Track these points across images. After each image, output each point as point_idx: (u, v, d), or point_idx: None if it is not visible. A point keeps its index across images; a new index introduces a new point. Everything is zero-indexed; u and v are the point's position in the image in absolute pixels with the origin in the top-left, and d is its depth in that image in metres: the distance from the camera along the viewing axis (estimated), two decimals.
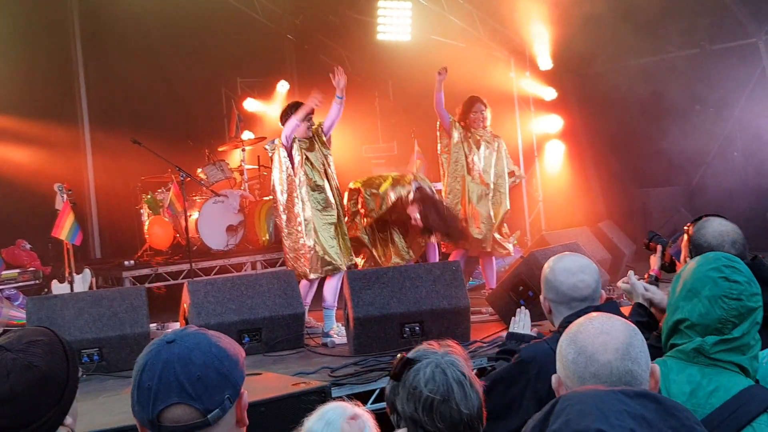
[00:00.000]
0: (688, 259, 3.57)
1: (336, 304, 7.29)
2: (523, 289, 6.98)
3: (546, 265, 3.53)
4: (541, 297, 3.55)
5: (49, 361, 2.13)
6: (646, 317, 3.48)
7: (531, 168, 11.93)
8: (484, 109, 8.45)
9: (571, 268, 3.43)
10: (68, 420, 2.17)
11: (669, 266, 4.85)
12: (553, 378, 2.15)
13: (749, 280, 2.57)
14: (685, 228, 3.68)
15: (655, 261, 4.30)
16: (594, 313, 2.21)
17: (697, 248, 3.52)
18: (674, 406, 1.72)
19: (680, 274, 2.69)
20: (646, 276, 4.66)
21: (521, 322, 4.25)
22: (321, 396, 4.79)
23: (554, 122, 11.82)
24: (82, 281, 8.47)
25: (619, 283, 3.81)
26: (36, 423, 2.07)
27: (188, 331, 1.95)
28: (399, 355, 2.36)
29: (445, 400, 2.32)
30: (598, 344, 2.04)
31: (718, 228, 3.55)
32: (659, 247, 4.95)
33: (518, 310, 4.35)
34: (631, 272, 3.82)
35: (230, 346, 1.95)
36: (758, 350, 2.57)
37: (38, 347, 2.14)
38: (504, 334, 6.54)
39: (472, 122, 8.43)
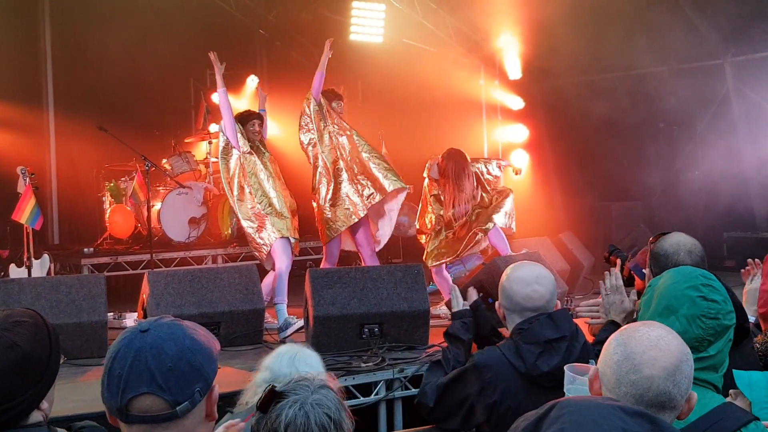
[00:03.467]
0: (646, 271, 3.64)
1: (285, 298, 7.30)
2: (482, 295, 6.99)
3: (504, 273, 3.58)
4: (497, 303, 3.60)
5: (32, 342, 2.13)
6: None
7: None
8: None
9: (527, 278, 3.48)
10: (44, 405, 2.17)
11: (627, 280, 4.94)
12: (591, 370, 2.14)
13: (725, 299, 2.58)
14: (649, 241, 3.75)
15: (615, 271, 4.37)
16: (656, 323, 2.19)
17: (654, 257, 3.58)
18: (670, 430, 1.72)
19: (653, 288, 2.70)
20: None
21: (457, 300, 4.27)
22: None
23: (520, 132, 11.92)
24: (41, 266, 8.38)
25: (590, 321, 3.87)
26: (10, 403, 2.07)
27: (163, 321, 1.94)
28: (269, 386, 2.19)
29: None
30: (648, 357, 2.02)
31: (676, 238, 3.61)
32: (619, 261, 5.04)
33: (452, 292, 4.38)
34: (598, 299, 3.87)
35: (205, 339, 1.95)
36: (726, 368, 2.60)
37: (24, 328, 2.14)
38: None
39: None
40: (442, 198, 8.18)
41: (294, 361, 3.27)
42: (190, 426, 1.88)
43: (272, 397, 2.16)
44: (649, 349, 2.04)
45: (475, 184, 8.31)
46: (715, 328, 2.53)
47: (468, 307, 4.22)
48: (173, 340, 1.88)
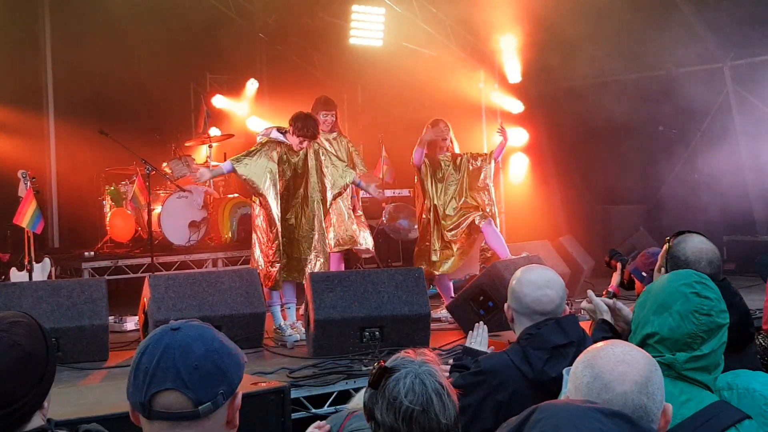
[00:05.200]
0: (663, 270, 3.60)
1: (278, 301, 7.34)
2: (483, 299, 7.06)
3: (514, 275, 3.57)
4: (506, 305, 3.60)
5: (31, 341, 2.14)
6: (610, 333, 3.48)
7: (495, 180, 12.02)
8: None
9: (538, 282, 3.47)
10: (45, 404, 2.19)
11: (627, 284, 4.95)
12: (562, 396, 2.17)
13: (718, 297, 2.61)
14: (667, 239, 3.72)
15: (615, 279, 4.37)
16: (616, 340, 2.19)
17: (674, 260, 3.55)
18: (649, 430, 1.74)
19: (649, 289, 2.73)
20: (604, 293, 4.76)
21: (478, 338, 4.24)
22: (279, 396, 4.82)
23: (520, 135, 11.93)
24: (42, 270, 8.38)
25: (582, 305, 3.79)
26: (17, 403, 2.08)
27: (194, 323, 1.97)
28: (377, 363, 2.36)
29: (425, 411, 2.33)
30: (617, 373, 2.00)
31: (698, 245, 3.58)
32: (619, 265, 5.05)
33: (476, 325, 4.34)
34: (589, 291, 3.83)
35: (233, 345, 1.98)
36: (721, 371, 2.61)
37: (21, 327, 2.15)
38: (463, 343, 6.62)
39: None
40: (426, 186, 8.24)
41: None
42: (211, 429, 1.89)
43: (383, 373, 2.36)
44: (616, 365, 2.01)
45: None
46: (708, 325, 2.55)
47: (487, 351, 4.15)
48: (202, 340, 1.90)
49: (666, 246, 3.66)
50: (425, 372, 2.35)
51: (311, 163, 7.36)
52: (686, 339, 2.53)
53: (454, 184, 8.31)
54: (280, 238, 7.18)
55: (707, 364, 2.55)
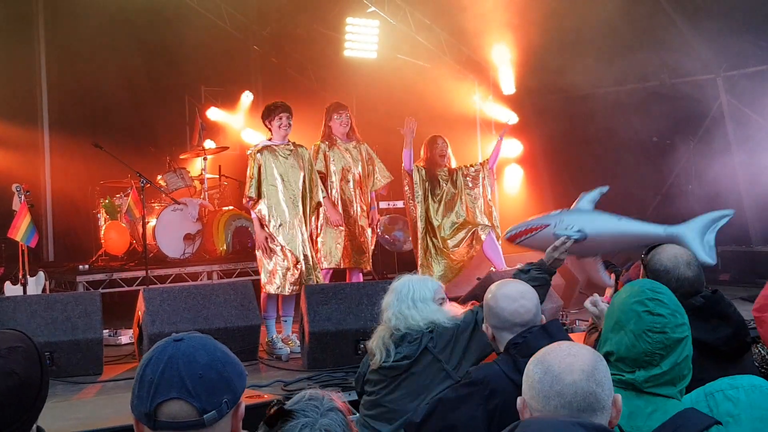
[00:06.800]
0: None
1: (274, 314, 7.33)
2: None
3: (487, 294, 3.60)
4: (484, 326, 3.62)
5: (27, 368, 2.15)
6: None
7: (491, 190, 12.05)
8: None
9: (512, 295, 3.52)
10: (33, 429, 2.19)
11: None
12: (519, 400, 2.20)
13: (674, 312, 2.59)
14: (641, 255, 3.74)
15: (609, 289, 4.38)
16: (563, 342, 2.28)
17: (654, 273, 3.56)
18: None
19: (612, 302, 2.74)
20: None
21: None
22: None
23: (514, 147, 11.96)
24: (36, 284, 8.36)
25: (587, 303, 3.81)
26: (7, 430, 2.09)
27: (197, 334, 1.99)
28: (276, 400, 2.21)
29: None
30: (565, 365, 2.11)
31: (671, 251, 3.61)
32: (613, 276, 5.06)
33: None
34: (596, 295, 3.84)
35: (234, 356, 2.01)
36: (689, 379, 2.60)
37: (18, 354, 2.15)
38: None
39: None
40: (416, 192, 8.25)
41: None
42: None
43: (280, 415, 2.15)
44: (564, 358, 2.12)
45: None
46: (663, 342, 2.55)
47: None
48: (205, 349, 1.93)
49: (641, 265, 3.68)
50: (322, 426, 2.13)
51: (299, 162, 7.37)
52: (644, 357, 2.54)
53: (451, 201, 8.32)
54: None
55: (670, 378, 2.54)
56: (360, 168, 8.04)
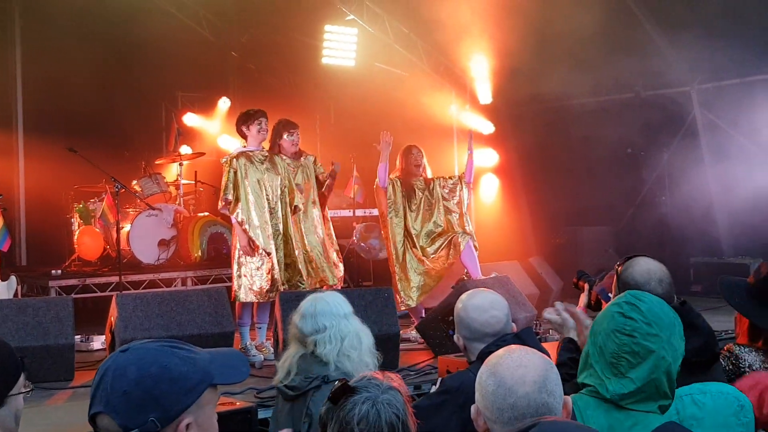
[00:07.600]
0: (612, 296, 3.65)
1: (249, 321, 7.29)
2: (453, 318, 7.05)
3: (458, 304, 3.61)
4: (455, 336, 3.62)
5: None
6: (576, 353, 3.43)
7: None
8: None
9: (483, 305, 3.53)
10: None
11: (594, 305, 4.96)
12: (472, 408, 2.21)
13: (648, 322, 2.55)
14: (616, 266, 3.72)
15: (582, 299, 4.38)
16: (513, 346, 2.28)
17: (625, 286, 3.52)
18: None
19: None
20: None
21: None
22: (247, 416, 4.78)
23: (490, 156, 12.01)
24: (8, 288, 8.27)
25: (545, 313, 3.68)
26: None
27: (145, 343, 1.94)
28: (340, 380, 2.36)
29: None
30: (517, 377, 2.14)
31: (645, 266, 3.56)
32: (587, 286, 5.07)
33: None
34: (558, 303, 3.73)
35: (182, 368, 1.90)
36: (670, 402, 2.56)
37: None
38: (430, 362, 6.64)
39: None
40: (393, 205, 8.24)
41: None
42: None
43: (344, 391, 2.33)
44: (515, 369, 2.15)
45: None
46: (630, 346, 2.51)
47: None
48: (138, 364, 1.87)
49: (615, 273, 3.66)
50: (384, 401, 2.33)
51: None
52: (611, 359, 2.52)
53: (428, 211, 8.33)
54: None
55: (647, 395, 2.50)
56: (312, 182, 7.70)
